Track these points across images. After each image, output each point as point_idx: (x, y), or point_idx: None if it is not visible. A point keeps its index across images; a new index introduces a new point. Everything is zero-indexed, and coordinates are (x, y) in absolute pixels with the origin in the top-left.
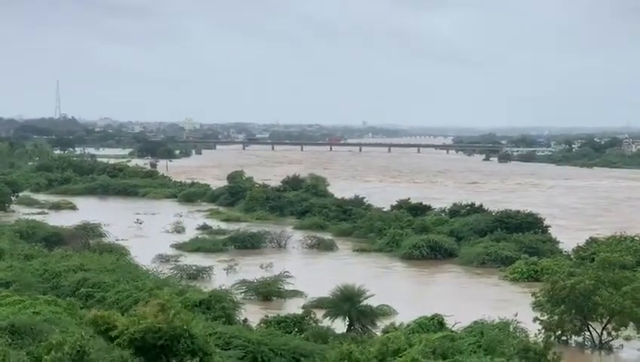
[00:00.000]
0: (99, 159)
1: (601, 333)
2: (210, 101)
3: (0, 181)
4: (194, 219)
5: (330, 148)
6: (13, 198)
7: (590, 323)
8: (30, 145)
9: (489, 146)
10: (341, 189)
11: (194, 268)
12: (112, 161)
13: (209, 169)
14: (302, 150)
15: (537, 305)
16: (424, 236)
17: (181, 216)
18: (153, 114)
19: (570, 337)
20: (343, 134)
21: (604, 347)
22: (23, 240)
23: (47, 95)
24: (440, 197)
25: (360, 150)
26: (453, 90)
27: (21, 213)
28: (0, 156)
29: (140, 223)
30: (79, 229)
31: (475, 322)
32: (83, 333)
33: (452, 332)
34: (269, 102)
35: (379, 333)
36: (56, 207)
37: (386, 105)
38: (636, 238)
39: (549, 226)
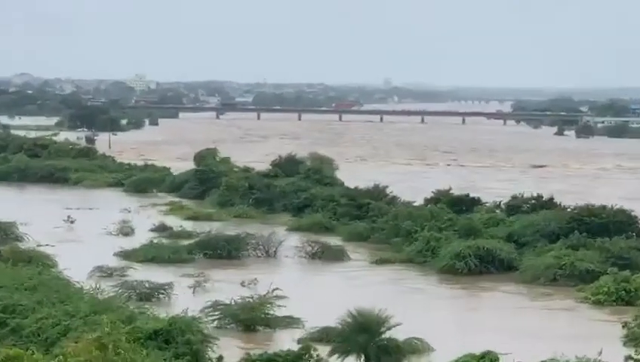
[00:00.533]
0: (13, 132)
1: None
2: (171, 51)
3: None
4: (147, 217)
5: (340, 118)
6: None
7: None
8: None
9: (562, 115)
10: (354, 175)
11: (147, 285)
12: (32, 135)
13: (168, 146)
14: (299, 119)
15: (631, 339)
16: (471, 241)
17: (129, 211)
18: (91, 69)
19: None
20: (357, 98)
21: None
22: None
23: None
24: (493, 186)
25: (381, 120)
26: (511, 36)
27: None
28: None
29: (72, 222)
30: None
31: None
32: None
33: None
34: (252, 52)
35: None
36: None
37: (417, 58)
38: None
39: None
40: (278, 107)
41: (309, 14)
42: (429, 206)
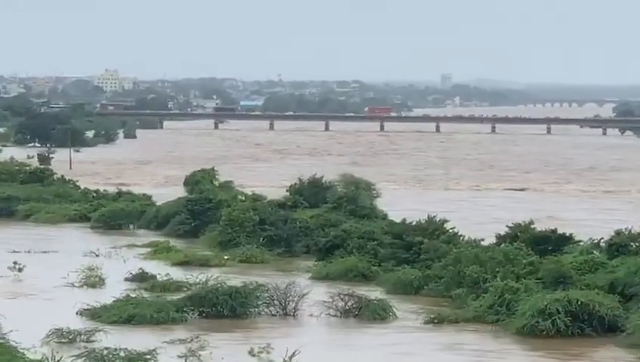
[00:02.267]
0: None
1: None
2: (153, 40)
3: None
4: (122, 263)
5: (381, 127)
6: None
7: None
8: None
9: None
10: (401, 204)
11: (122, 354)
12: None
13: (150, 166)
14: (326, 129)
15: None
16: (560, 293)
17: (97, 255)
18: (45, 63)
19: None
20: (403, 100)
21: None
22: None
23: None
24: (587, 218)
25: (437, 129)
26: (610, 20)
27: None
28: None
29: (20, 270)
30: None
31: None
32: None
33: None
34: (262, 42)
35: None
36: None
37: (483, 48)
38: None
39: None
40: (299, 112)
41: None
42: (502, 245)
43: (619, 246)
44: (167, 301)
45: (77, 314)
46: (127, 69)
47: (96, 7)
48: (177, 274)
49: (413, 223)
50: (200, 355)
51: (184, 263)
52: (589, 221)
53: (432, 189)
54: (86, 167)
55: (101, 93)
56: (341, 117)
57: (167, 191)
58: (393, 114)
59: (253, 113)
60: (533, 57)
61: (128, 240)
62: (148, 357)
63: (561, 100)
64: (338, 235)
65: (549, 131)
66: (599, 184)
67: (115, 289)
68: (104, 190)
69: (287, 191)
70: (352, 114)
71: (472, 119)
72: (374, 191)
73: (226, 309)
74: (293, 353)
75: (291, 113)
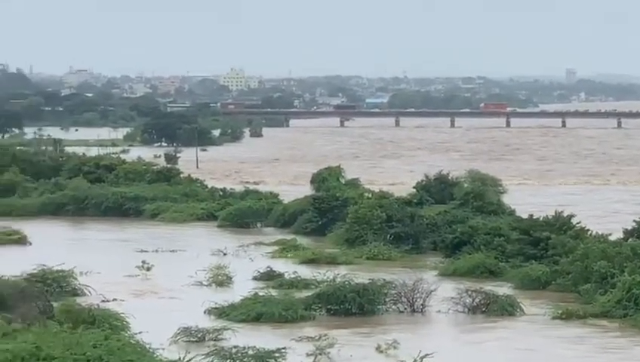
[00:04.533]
0: (68, 149)
1: None
2: (278, 38)
3: None
4: (249, 261)
5: (507, 123)
6: None
7: None
8: None
9: None
10: (527, 200)
11: (251, 352)
12: (93, 153)
13: (277, 165)
14: (452, 126)
15: None
16: None
17: (225, 254)
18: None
19: None
20: (528, 95)
21: None
22: None
23: None
24: None
25: (563, 124)
26: None
27: None
28: None
29: (148, 269)
30: (33, 282)
31: None
32: None
33: None
34: (386, 39)
35: None
36: None
37: (608, 40)
38: None
39: None
40: (424, 109)
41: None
42: (630, 240)
43: None
44: (295, 299)
45: (205, 312)
46: (253, 68)
47: (220, 7)
48: (305, 272)
49: (540, 219)
50: (328, 352)
51: (311, 261)
52: None
53: (557, 185)
54: (212, 165)
55: (227, 92)
56: (467, 113)
57: (294, 189)
58: (509, 109)
59: (378, 110)
60: None
61: (255, 238)
62: (276, 355)
63: None
64: (465, 232)
65: None
66: None
67: (242, 288)
68: (231, 188)
69: (413, 188)
70: (467, 110)
71: (597, 114)
72: (500, 188)
73: (353, 306)
74: (426, 355)
75: (414, 110)
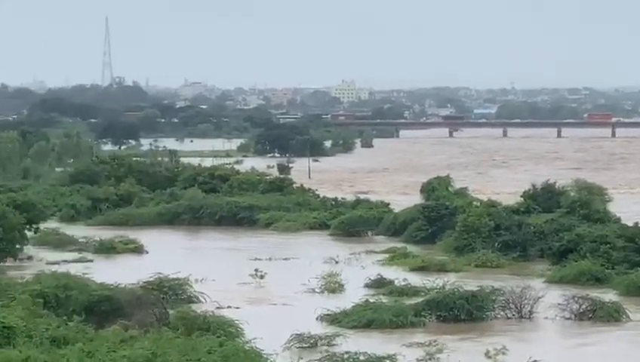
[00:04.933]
0: (183, 159)
1: None
2: (388, 50)
3: (5, 203)
4: (360, 268)
5: (613, 133)
6: (29, 235)
7: None
8: (58, 136)
9: None
10: (633, 208)
11: (362, 358)
12: (207, 163)
13: (387, 174)
14: (559, 136)
15: None
16: None
17: (337, 262)
18: (282, 75)
19: None
20: (634, 105)
21: None
22: (48, 310)
23: (88, 45)
24: None
25: None
26: None
27: (44, 261)
28: (4, 156)
29: (261, 277)
30: (150, 289)
31: None
32: None
33: None
34: (495, 49)
35: None
36: (108, 248)
37: None
38: None
39: None
40: (531, 120)
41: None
42: None
43: None
44: (405, 305)
45: (317, 319)
46: (364, 80)
47: (332, 20)
48: (415, 279)
49: None
50: (438, 358)
51: (421, 268)
52: None
53: None
54: (325, 175)
55: (338, 104)
56: (573, 123)
57: (404, 199)
58: (614, 119)
59: (486, 121)
60: None
61: (366, 246)
62: (387, 360)
63: None
64: (572, 239)
65: None
66: None
67: (354, 295)
68: (342, 198)
69: (521, 196)
70: (571, 120)
71: None
72: (606, 196)
73: (462, 313)
74: (535, 361)
75: (521, 120)
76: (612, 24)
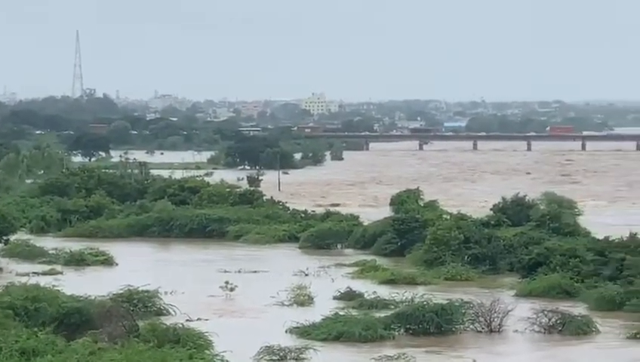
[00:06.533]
0: (153, 171)
1: None
2: (358, 63)
3: None
4: (330, 281)
5: (583, 146)
6: None
7: None
8: (29, 148)
9: None
10: (603, 221)
11: None
12: (178, 175)
13: (356, 186)
14: (528, 149)
15: None
16: None
17: (306, 274)
18: (253, 88)
19: None
20: (603, 119)
21: None
22: (18, 322)
23: (59, 57)
24: None
25: (638, 147)
26: None
27: (14, 272)
28: None
29: (231, 289)
30: (119, 302)
31: None
32: None
33: None
34: (465, 63)
35: None
36: (78, 260)
37: None
38: None
39: None
40: (500, 133)
41: (544, 15)
42: None
43: None
44: (374, 318)
45: (287, 332)
46: (333, 92)
47: (302, 33)
48: (384, 292)
49: (616, 240)
50: None
51: (391, 281)
52: None
53: (631, 206)
54: (294, 188)
55: (309, 116)
56: (543, 136)
57: (374, 211)
58: (585, 133)
59: (456, 134)
60: None
61: (336, 259)
62: None
63: None
64: (541, 253)
65: None
66: None
67: (323, 308)
68: (312, 211)
69: (490, 209)
70: (534, 133)
71: None
72: (576, 209)
73: (432, 326)
74: None
75: (487, 134)
76: (583, 39)
